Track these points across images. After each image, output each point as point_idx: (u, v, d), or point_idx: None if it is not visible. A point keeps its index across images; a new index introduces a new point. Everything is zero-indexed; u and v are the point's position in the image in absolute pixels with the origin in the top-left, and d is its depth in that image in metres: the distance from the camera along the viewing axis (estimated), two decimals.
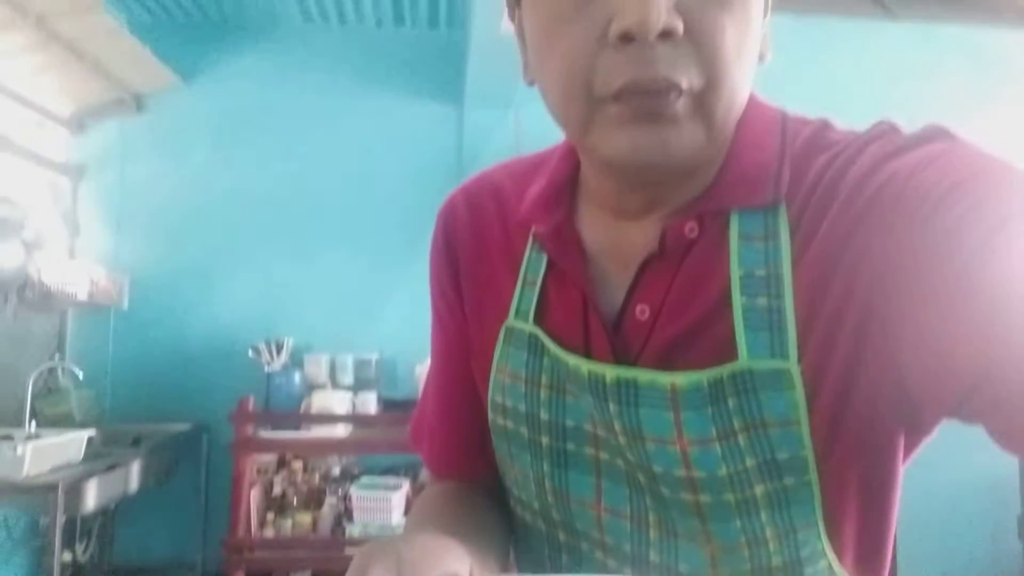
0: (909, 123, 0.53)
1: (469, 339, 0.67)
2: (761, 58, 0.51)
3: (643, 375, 0.51)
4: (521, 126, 3.34)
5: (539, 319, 0.60)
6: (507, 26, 2.76)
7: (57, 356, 3.12)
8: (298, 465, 3.00)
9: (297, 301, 3.33)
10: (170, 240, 3.34)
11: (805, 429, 0.48)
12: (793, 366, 0.48)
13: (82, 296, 2.89)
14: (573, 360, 0.55)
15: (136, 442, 2.87)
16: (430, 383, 0.74)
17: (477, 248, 0.66)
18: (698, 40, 0.45)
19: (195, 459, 3.18)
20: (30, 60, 2.73)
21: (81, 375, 2.88)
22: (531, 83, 0.56)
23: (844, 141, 0.52)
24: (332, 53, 3.55)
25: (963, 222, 0.41)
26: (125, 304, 3.22)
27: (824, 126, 0.55)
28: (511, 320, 0.61)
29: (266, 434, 2.89)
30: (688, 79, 0.45)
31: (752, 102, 0.55)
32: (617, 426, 0.53)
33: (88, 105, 3.26)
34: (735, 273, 0.51)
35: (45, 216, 2.96)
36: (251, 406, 2.87)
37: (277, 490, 2.96)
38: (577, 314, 0.57)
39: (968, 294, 0.40)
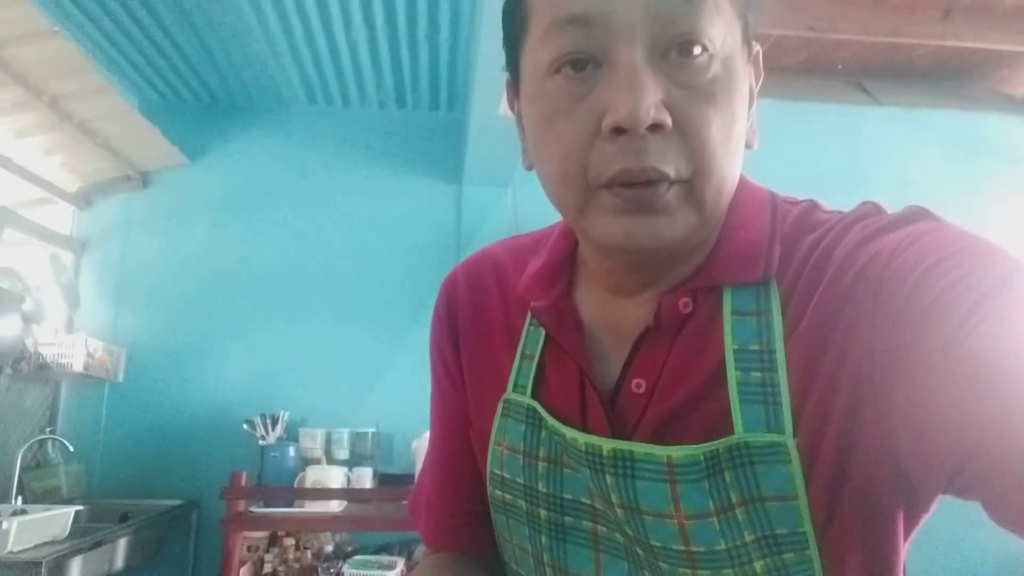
0: (892, 204, 0.55)
1: (469, 410, 0.68)
2: (748, 145, 0.54)
3: (639, 448, 0.52)
4: (519, 204, 3.42)
5: (536, 392, 0.61)
6: (505, 109, 2.88)
7: (48, 429, 3.09)
8: (290, 542, 2.93)
9: (294, 375, 3.33)
10: (169, 314, 3.36)
11: (803, 503, 0.49)
12: (789, 439, 0.49)
13: (78, 368, 2.89)
14: (570, 432, 0.56)
15: (124, 518, 2.80)
16: (429, 455, 0.75)
17: (477, 321, 0.68)
18: (685, 133, 0.48)
19: (184, 536, 3.10)
20: (41, 139, 2.81)
21: (72, 448, 2.85)
22: (530, 168, 0.59)
23: (831, 221, 0.55)
24: (335, 133, 3.66)
25: (947, 296, 0.42)
26: (120, 377, 3.21)
27: (812, 207, 0.58)
28: (509, 393, 0.63)
29: (258, 510, 2.83)
30: (676, 169, 0.48)
31: (743, 183, 0.59)
32: (614, 499, 0.53)
33: (95, 182, 3.34)
34: (729, 347, 0.52)
35: (46, 289, 2.99)
36: (244, 481, 2.83)
37: (268, 568, 2.88)
38: (574, 388, 0.58)
39: (954, 367, 0.41)
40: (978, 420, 0.39)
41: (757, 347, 0.51)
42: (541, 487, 0.59)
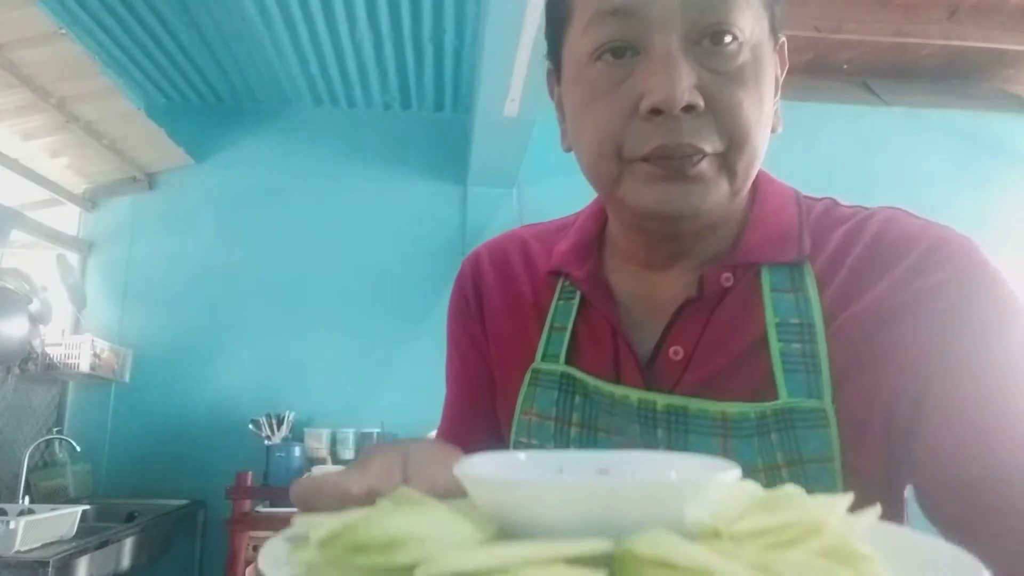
0: (899, 202, 0.58)
1: (496, 380, 0.70)
2: (773, 129, 0.58)
3: (693, 403, 0.56)
4: (524, 204, 3.43)
5: (570, 361, 0.63)
6: (509, 110, 2.88)
7: (55, 429, 3.10)
8: None
9: (299, 375, 3.34)
10: (175, 314, 3.37)
11: (837, 466, 0.52)
12: (828, 406, 0.53)
13: (84, 368, 2.90)
14: (620, 391, 0.59)
15: (131, 517, 2.81)
16: (443, 429, 0.75)
17: (504, 296, 0.70)
18: (718, 113, 0.52)
19: (191, 535, 3.11)
20: (48, 141, 2.83)
21: (79, 448, 2.86)
22: (568, 149, 0.63)
23: (860, 215, 0.60)
24: (340, 134, 3.67)
25: (984, 348, 0.52)
26: (127, 377, 3.22)
27: (834, 203, 0.63)
28: (538, 362, 0.64)
29: (264, 509, 2.84)
30: (712, 144, 0.52)
31: (767, 178, 0.64)
32: (663, 450, 0.56)
33: (101, 183, 3.35)
34: (771, 320, 0.56)
35: (53, 290, 3.00)
36: (249, 480, 2.84)
37: None
38: (608, 354, 0.61)
39: (990, 405, 0.51)
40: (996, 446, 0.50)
41: (797, 321, 0.56)
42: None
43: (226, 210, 3.50)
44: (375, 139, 3.67)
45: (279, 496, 2.91)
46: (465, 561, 0.24)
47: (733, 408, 0.54)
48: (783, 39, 0.60)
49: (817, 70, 3.69)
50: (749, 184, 0.57)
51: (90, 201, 3.39)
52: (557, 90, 0.63)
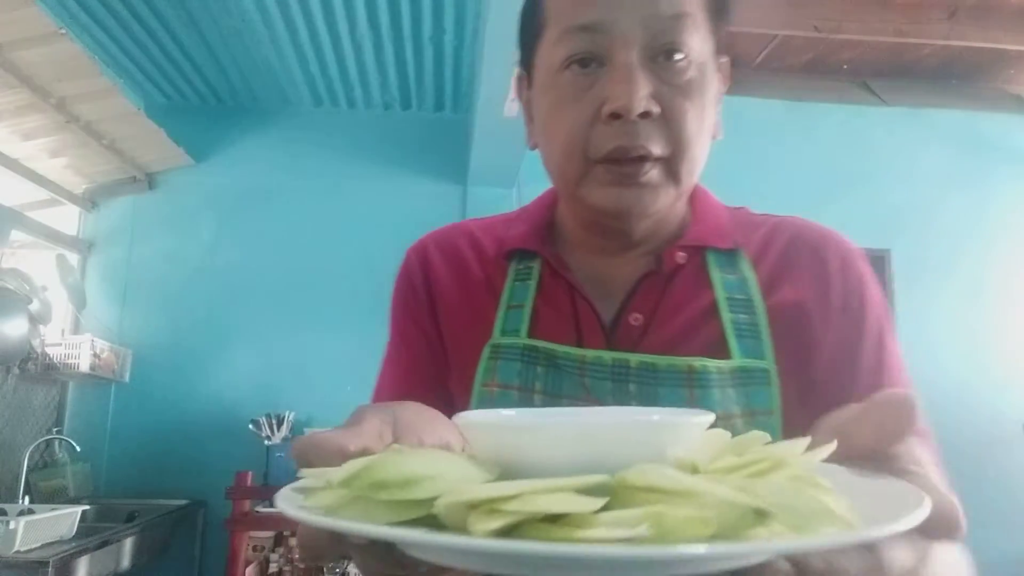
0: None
1: (448, 364, 0.74)
2: (714, 137, 0.66)
3: (662, 360, 0.63)
4: (524, 204, 3.42)
5: (531, 335, 0.69)
6: (509, 110, 2.88)
7: (55, 429, 3.10)
8: (295, 542, 2.94)
9: (299, 375, 3.33)
10: (174, 314, 3.37)
11: (779, 419, 0.62)
12: (771, 367, 0.63)
13: (84, 368, 2.90)
14: (592, 353, 0.65)
15: (131, 518, 2.81)
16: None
17: (454, 280, 0.75)
18: (668, 120, 0.60)
19: (191, 536, 3.11)
20: (48, 141, 2.83)
21: (78, 448, 2.86)
22: (533, 147, 0.71)
23: (768, 219, 0.72)
24: (340, 135, 3.67)
25: (864, 293, 0.67)
26: (127, 377, 3.22)
27: (748, 211, 0.75)
28: (497, 338, 0.69)
29: (264, 510, 2.84)
30: (660, 148, 0.60)
31: (703, 189, 0.74)
32: (635, 405, 0.63)
33: (101, 183, 3.35)
34: (720, 294, 0.66)
35: (53, 290, 3.00)
36: (249, 480, 2.84)
37: (274, 568, 2.89)
38: (570, 324, 0.68)
39: (864, 340, 0.65)
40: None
41: (741, 296, 0.66)
42: None
43: (226, 210, 3.50)
44: (375, 139, 3.67)
45: None
46: (481, 492, 0.27)
47: (698, 362, 0.62)
48: (726, 59, 0.68)
49: (817, 70, 3.70)
50: (692, 186, 0.66)
51: (90, 201, 3.39)
52: (527, 94, 0.71)
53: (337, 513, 0.30)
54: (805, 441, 0.33)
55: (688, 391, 0.61)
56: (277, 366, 3.34)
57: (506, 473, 0.32)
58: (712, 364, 0.62)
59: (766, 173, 3.47)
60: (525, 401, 0.66)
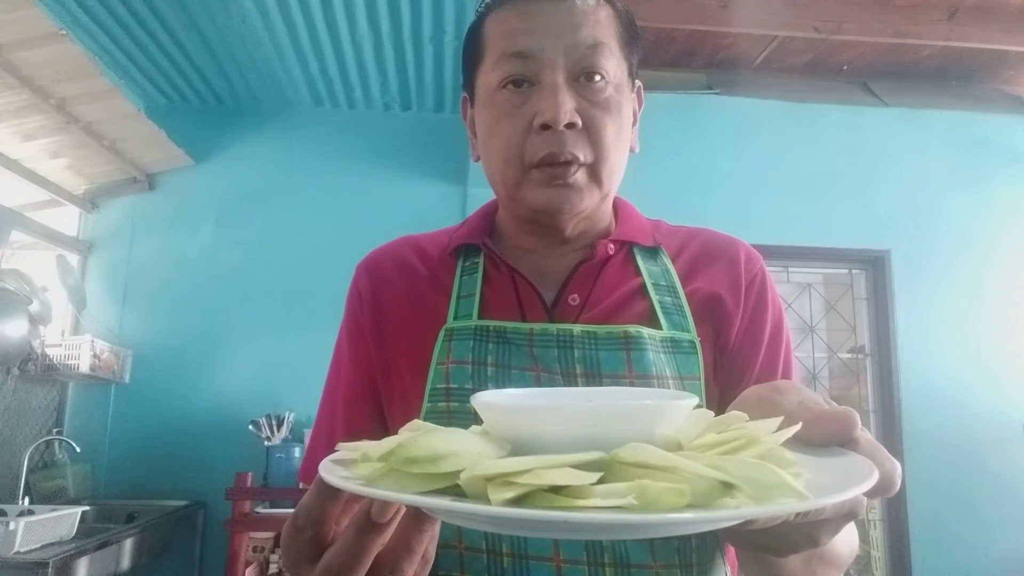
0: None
1: (391, 362, 0.80)
2: (632, 150, 0.79)
3: (601, 328, 0.73)
4: None
5: (481, 317, 0.77)
6: None
7: (55, 430, 3.10)
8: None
9: (298, 376, 3.33)
10: (174, 315, 3.37)
11: (702, 385, 0.72)
12: (695, 339, 0.74)
13: (84, 369, 2.90)
14: (539, 326, 0.74)
15: (131, 518, 2.81)
16: (326, 422, 0.84)
17: (404, 282, 0.83)
18: (590, 131, 0.71)
19: (190, 536, 3.11)
20: (48, 141, 2.83)
21: (78, 449, 2.86)
22: (477, 159, 0.81)
23: (681, 228, 0.86)
24: (340, 135, 3.67)
25: (765, 291, 0.79)
26: (127, 378, 3.22)
27: (662, 221, 0.87)
28: (451, 323, 0.77)
29: (264, 510, 2.84)
30: (584, 154, 0.71)
31: (627, 201, 0.86)
32: (579, 369, 0.71)
33: (101, 184, 3.35)
34: (647, 280, 0.77)
35: (53, 290, 3.00)
36: (249, 481, 2.84)
37: (273, 569, 2.89)
38: (515, 306, 0.77)
39: (764, 329, 0.77)
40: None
41: (664, 283, 0.77)
42: (490, 386, 0.72)
43: (226, 210, 3.51)
44: (375, 140, 3.67)
45: (279, 497, 2.91)
46: (497, 466, 0.33)
47: (633, 329, 0.72)
48: (639, 83, 0.80)
49: (817, 71, 3.70)
50: (613, 188, 0.77)
51: (90, 202, 3.39)
52: (471, 112, 0.82)
53: (375, 484, 0.35)
54: (776, 421, 0.38)
55: (625, 353, 0.71)
56: (277, 367, 3.34)
57: (516, 448, 0.38)
58: (645, 331, 0.72)
59: (766, 173, 3.47)
60: (477, 373, 0.73)
